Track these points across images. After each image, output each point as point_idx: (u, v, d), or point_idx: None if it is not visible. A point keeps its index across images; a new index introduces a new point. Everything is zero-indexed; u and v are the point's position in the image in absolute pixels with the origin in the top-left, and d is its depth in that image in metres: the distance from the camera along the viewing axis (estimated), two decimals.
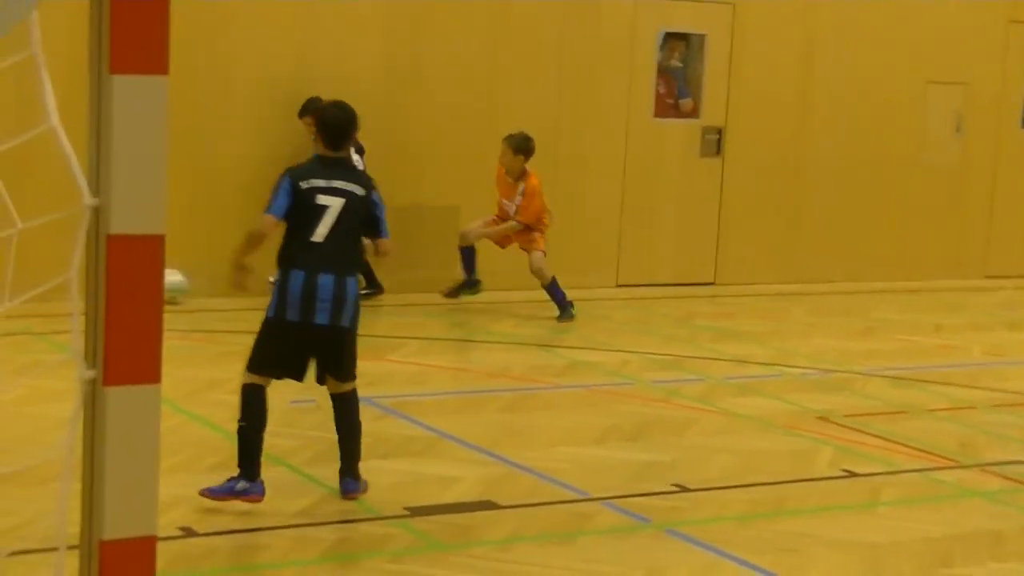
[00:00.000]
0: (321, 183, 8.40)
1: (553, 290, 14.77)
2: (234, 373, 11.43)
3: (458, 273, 15.66)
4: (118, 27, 2.91)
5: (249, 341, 12.60)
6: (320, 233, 8.33)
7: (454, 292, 15.09)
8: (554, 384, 11.96)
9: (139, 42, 2.94)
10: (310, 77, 14.68)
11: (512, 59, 15.81)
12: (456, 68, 15.53)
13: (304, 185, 8.38)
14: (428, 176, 15.46)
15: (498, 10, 15.67)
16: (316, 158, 8.57)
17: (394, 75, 15.25)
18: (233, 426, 9.96)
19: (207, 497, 8.23)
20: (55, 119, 3.01)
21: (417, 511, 8.49)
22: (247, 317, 13.69)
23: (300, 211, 8.36)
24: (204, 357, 11.79)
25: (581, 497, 8.94)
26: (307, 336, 8.43)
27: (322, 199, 8.36)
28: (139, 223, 3.01)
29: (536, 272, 14.64)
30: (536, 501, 8.83)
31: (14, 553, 6.95)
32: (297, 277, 8.30)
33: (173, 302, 13.25)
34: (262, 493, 8.33)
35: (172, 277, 13.19)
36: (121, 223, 2.99)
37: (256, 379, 8.59)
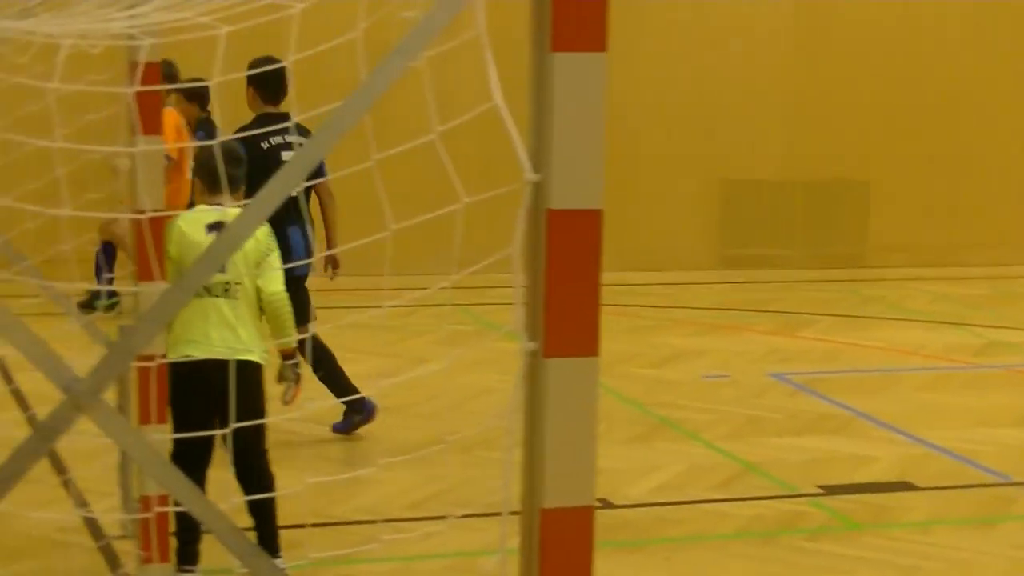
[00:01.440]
0: None
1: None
2: (646, 347, 11.58)
3: (868, 247, 15.40)
4: (560, 6, 2.95)
5: (657, 315, 12.68)
6: None
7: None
8: (971, 364, 11.60)
9: (580, 21, 2.97)
10: (723, 62, 14.65)
11: (927, 23, 15.38)
12: (867, 38, 15.20)
13: None
14: (838, 149, 15.19)
15: None
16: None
17: (805, 56, 15.04)
18: (646, 399, 10.10)
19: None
20: (498, 97, 3.06)
21: (832, 489, 8.37)
22: (662, 292, 13.83)
23: None
24: (617, 331, 11.89)
25: (1003, 481, 8.64)
26: None
27: None
28: (579, 198, 3.04)
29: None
30: (955, 483, 8.58)
31: (437, 517, 7.20)
32: None
33: None
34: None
35: None
36: (562, 198, 3.02)
37: None
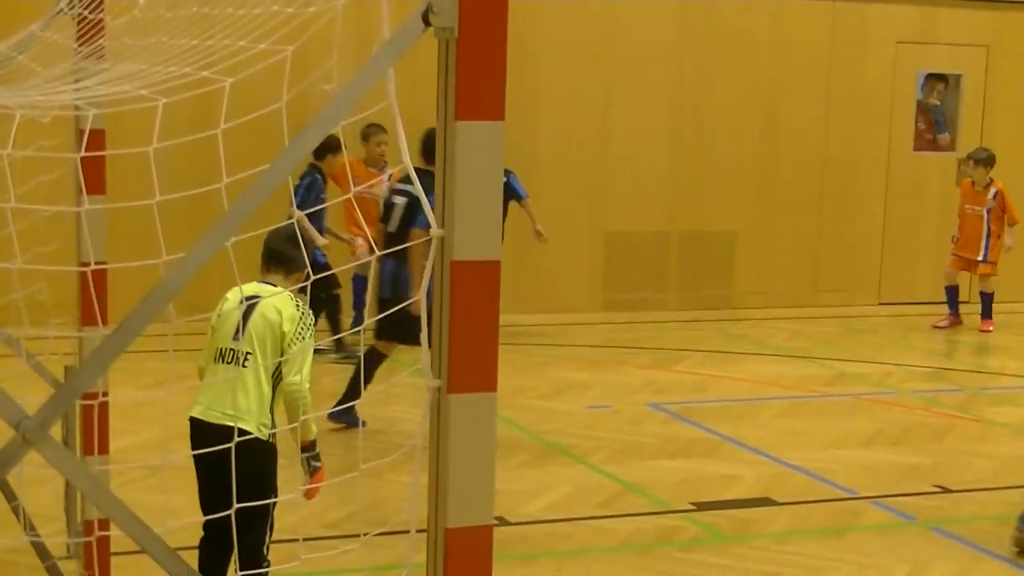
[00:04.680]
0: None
1: None
2: (538, 381, 11.59)
3: (734, 290, 15.53)
4: (463, 80, 2.97)
5: (547, 352, 12.72)
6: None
7: None
8: (823, 393, 11.73)
9: (480, 93, 2.99)
10: (609, 129, 14.75)
11: (786, 96, 15.57)
12: (736, 107, 15.38)
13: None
14: (709, 204, 15.33)
15: (774, 55, 15.46)
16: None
17: (681, 120, 15.18)
18: (538, 427, 10.12)
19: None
20: (407, 159, 3.07)
21: (702, 506, 8.42)
22: (552, 331, 13.85)
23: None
24: (512, 366, 11.89)
25: (851, 496, 8.75)
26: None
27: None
28: (479, 250, 3.05)
29: None
30: (810, 499, 8.68)
31: (351, 536, 7.15)
32: None
33: None
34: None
35: None
36: (463, 250, 3.03)
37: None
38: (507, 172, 10.14)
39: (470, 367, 3.10)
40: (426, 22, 2.94)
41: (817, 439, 10.12)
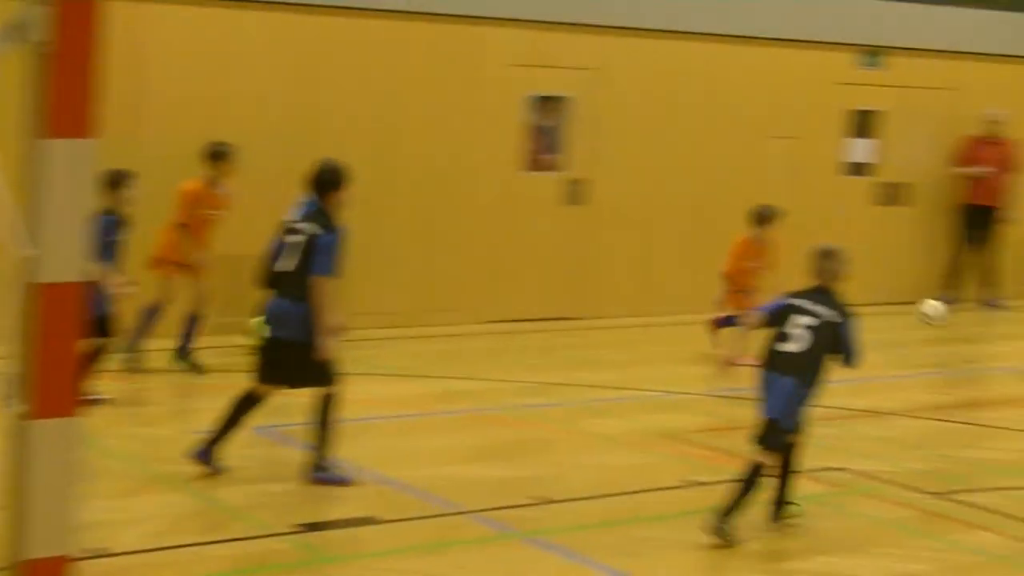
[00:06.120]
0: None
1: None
2: (140, 407, 11.36)
3: (349, 312, 15.73)
4: (55, 98, 2.96)
5: (166, 379, 12.21)
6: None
7: None
8: (432, 410, 12.06)
9: (72, 111, 3.00)
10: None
11: (400, 117, 15.87)
12: (348, 125, 15.57)
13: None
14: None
15: (398, 77, 15.76)
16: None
17: (295, 137, 15.27)
18: (140, 455, 9.95)
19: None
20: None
21: (306, 527, 8.59)
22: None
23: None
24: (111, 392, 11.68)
25: (453, 511, 9.09)
26: None
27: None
28: (65, 272, 3.04)
29: None
30: (414, 515, 8.98)
31: None
32: None
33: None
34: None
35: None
36: (50, 272, 3.03)
37: None
38: None
39: (53, 392, 3.13)
40: (15, 38, 2.93)
41: (424, 456, 10.44)
